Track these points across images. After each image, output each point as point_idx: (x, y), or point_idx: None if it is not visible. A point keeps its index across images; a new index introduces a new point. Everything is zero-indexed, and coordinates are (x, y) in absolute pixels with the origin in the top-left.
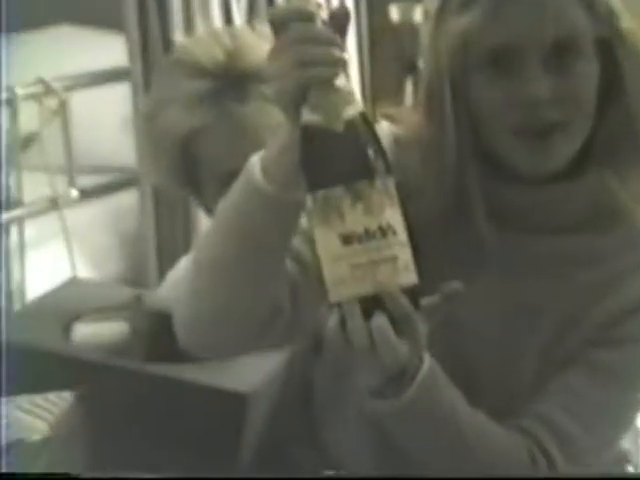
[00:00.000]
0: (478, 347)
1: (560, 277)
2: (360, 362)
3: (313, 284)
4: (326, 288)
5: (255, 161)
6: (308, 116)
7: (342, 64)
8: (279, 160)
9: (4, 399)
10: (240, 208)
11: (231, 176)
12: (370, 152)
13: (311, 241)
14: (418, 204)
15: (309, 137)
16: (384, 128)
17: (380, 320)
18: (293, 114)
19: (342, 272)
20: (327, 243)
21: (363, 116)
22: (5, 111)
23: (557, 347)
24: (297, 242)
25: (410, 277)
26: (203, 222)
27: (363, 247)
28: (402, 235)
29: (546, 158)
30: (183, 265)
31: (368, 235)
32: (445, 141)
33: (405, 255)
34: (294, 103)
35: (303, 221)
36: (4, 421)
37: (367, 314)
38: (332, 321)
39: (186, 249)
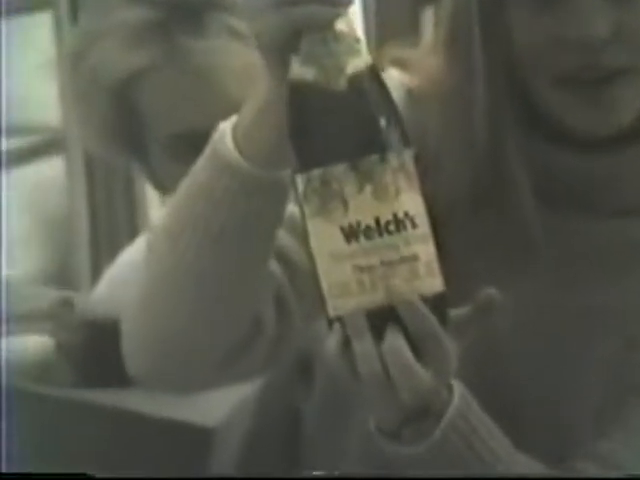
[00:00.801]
0: (523, 372)
1: (628, 274)
2: (369, 395)
3: (305, 292)
4: (323, 298)
5: (225, 129)
6: (299, 70)
7: (347, 2)
8: (258, 127)
9: None
10: (206, 192)
11: (187, 139)
12: (382, 118)
13: (302, 236)
14: (438, 181)
15: (300, 98)
16: (393, 78)
17: (395, 340)
18: (278, 65)
19: (345, 277)
20: (325, 239)
21: (372, 71)
22: None
23: (623, 367)
24: (284, 237)
25: (435, 283)
26: (152, 201)
27: (372, 244)
28: (424, 227)
29: (606, 114)
30: (127, 260)
31: (379, 228)
32: (474, 94)
33: (428, 253)
34: (280, 51)
35: (292, 210)
36: None
37: (378, 332)
38: (331, 341)
39: (130, 237)
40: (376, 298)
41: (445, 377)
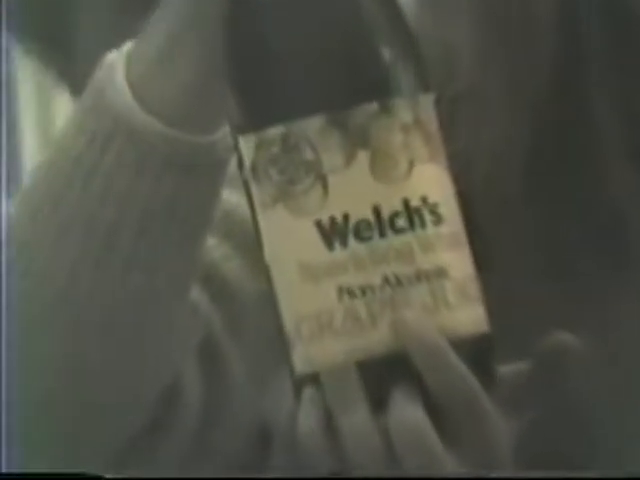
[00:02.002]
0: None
1: None
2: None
3: (247, 334)
4: (286, 343)
5: (114, 64)
6: None
7: None
8: (169, 62)
9: None
10: (86, 167)
11: None
12: (383, 40)
13: (245, 240)
14: (476, 143)
15: (246, 9)
16: None
17: (408, 410)
18: None
19: (324, 306)
20: (290, 242)
21: None
22: None
23: None
24: (213, 245)
25: (474, 317)
26: None
27: (370, 250)
28: (454, 222)
29: None
30: None
31: (381, 223)
32: None
33: (462, 266)
34: None
35: (226, 199)
36: None
37: (379, 398)
38: (301, 417)
39: None
40: (376, 341)
41: (486, 469)
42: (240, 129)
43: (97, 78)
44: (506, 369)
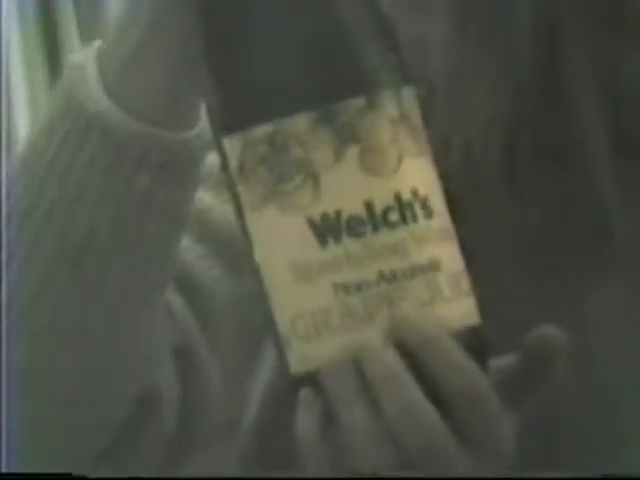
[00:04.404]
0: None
1: None
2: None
3: (223, 339)
4: (279, 344)
5: (85, 61)
6: None
7: None
8: (144, 57)
9: None
10: (60, 168)
11: None
12: (366, 33)
13: (219, 244)
14: (454, 134)
15: (224, 6)
16: None
17: (410, 401)
18: None
19: (319, 303)
20: (282, 242)
21: None
22: None
23: None
24: (188, 247)
25: (466, 309)
26: None
27: (364, 245)
28: (442, 215)
29: None
30: None
31: (373, 218)
32: None
33: (453, 259)
34: None
35: (201, 198)
36: None
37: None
38: (302, 413)
39: None
40: (374, 335)
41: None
42: (224, 129)
43: (66, 79)
44: (495, 362)
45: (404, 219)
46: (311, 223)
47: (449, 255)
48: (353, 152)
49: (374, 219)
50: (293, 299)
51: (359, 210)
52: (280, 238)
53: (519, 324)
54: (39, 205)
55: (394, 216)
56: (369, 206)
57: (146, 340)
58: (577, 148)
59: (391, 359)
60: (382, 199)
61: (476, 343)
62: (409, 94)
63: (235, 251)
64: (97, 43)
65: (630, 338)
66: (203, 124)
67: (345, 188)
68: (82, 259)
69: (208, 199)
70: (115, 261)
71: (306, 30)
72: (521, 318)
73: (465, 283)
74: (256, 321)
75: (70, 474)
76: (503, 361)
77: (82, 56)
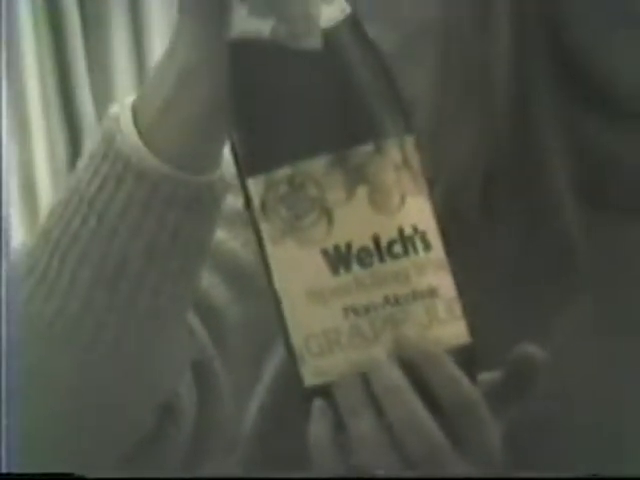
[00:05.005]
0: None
1: None
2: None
3: (235, 358)
4: (295, 360)
5: (122, 113)
6: (247, 22)
7: None
8: (175, 109)
9: None
10: (97, 208)
11: None
12: (373, 89)
13: (231, 273)
14: (437, 173)
15: (250, 62)
16: None
17: (411, 410)
18: (205, 16)
19: (332, 324)
20: (299, 271)
21: (353, 22)
22: None
23: None
24: (203, 277)
25: (459, 330)
26: None
27: (371, 274)
28: (438, 248)
29: None
30: None
31: (380, 250)
32: (491, 33)
33: (447, 286)
34: None
35: (220, 236)
36: None
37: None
38: (314, 421)
39: None
40: (379, 353)
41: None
42: (249, 171)
43: (105, 128)
44: (484, 376)
45: (406, 251)
46: (325, 254)
47: (444, 283)
48: (362, 192)
49: (380, 251)
50: (307, 320)
51: (367, 243)
52: (297, 267)
53: (504, 343)
54: (80, 237)
55: (397, 248)
56: (376, 239)
57: (170, 355)
58: (546, 196)
59: (395, 374)
60: (387, 233)
61: (467, 359)
62: (410, 142)
63: (243, 279)
64: (129, 98)
65: (598, 357)
66: (224, 168)
67: (355, 223)
68: (117, 285)
69: (221, 234)
70: (145, 287)
71: (322, 85)
72: (505, 338)
73: (458, 308)
74: (262, 339)
75: (70, 474)
76: (490, 375)
77: (117, 109)
